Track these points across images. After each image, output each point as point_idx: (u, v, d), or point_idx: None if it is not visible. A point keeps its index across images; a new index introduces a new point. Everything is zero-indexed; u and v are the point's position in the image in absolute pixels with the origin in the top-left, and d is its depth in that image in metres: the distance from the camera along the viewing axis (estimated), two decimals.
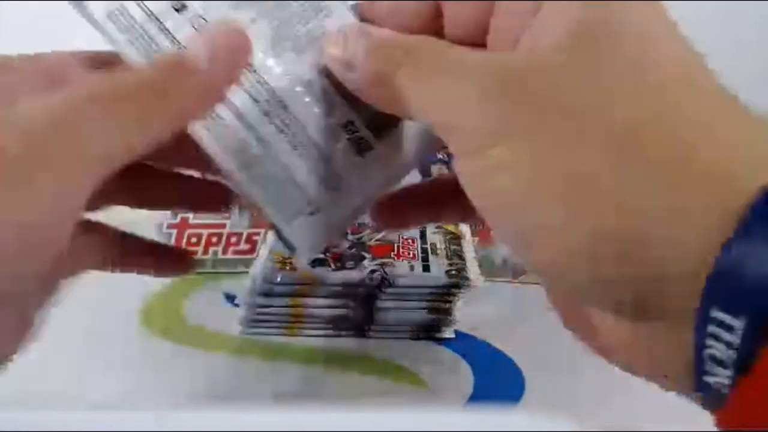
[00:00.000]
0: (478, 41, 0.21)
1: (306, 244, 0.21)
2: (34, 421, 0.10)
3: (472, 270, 0.41)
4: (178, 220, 0.50)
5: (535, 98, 0.18)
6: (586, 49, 0.18)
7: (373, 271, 0.40)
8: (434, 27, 0.22)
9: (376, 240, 0.43)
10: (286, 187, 0.21)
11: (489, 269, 0.47)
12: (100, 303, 0.37)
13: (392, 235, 0.43)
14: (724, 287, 0.15)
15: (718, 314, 0.15)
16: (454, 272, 0.40)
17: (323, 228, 0.21)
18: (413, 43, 0.21)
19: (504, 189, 0.18)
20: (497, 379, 0.38)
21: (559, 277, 0.18)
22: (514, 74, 0.18)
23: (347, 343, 0.40)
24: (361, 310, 0.40)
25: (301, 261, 0.21)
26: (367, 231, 0.43)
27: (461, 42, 0.21)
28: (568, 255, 0.17)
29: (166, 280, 0.44)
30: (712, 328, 0.15)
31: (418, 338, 0.41)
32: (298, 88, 0.22)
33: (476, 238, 0.47)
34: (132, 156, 0.20)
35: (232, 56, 0.21)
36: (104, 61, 0.24)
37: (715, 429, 0.15)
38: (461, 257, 0.42)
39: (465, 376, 0.37)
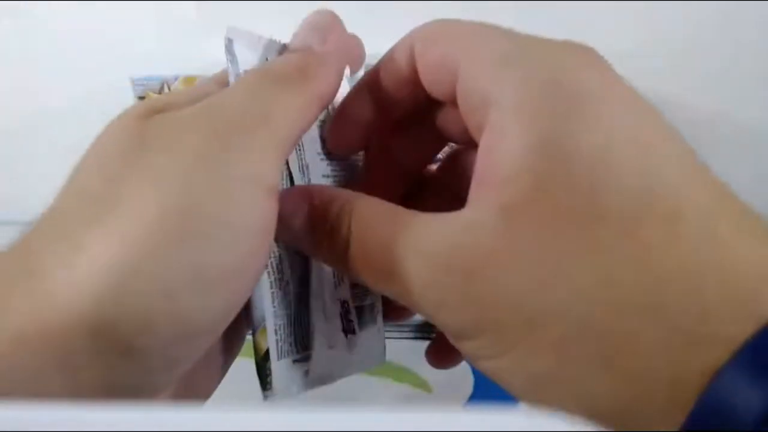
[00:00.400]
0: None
1: (282, 385, 0.22)
2: (34, 420, 0.09)
3: None
4: None
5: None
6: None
7: None
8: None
9: None
10: (286, 328, 0.22)
11: None
12: None
13: None
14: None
15: None
16: None
17: (301, 376, 0.23)
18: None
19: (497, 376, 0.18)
20: None
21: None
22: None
23: None
24: None
25: (268, 399, 0.22)
26: None
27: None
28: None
29: None
30: None
31: (418, 338, 0.41)
32: None
33: None
34: (297, 142, 0.20)
35: (348, 50, 0.23)
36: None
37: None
38: None
39: (465, 376, 0.37)
